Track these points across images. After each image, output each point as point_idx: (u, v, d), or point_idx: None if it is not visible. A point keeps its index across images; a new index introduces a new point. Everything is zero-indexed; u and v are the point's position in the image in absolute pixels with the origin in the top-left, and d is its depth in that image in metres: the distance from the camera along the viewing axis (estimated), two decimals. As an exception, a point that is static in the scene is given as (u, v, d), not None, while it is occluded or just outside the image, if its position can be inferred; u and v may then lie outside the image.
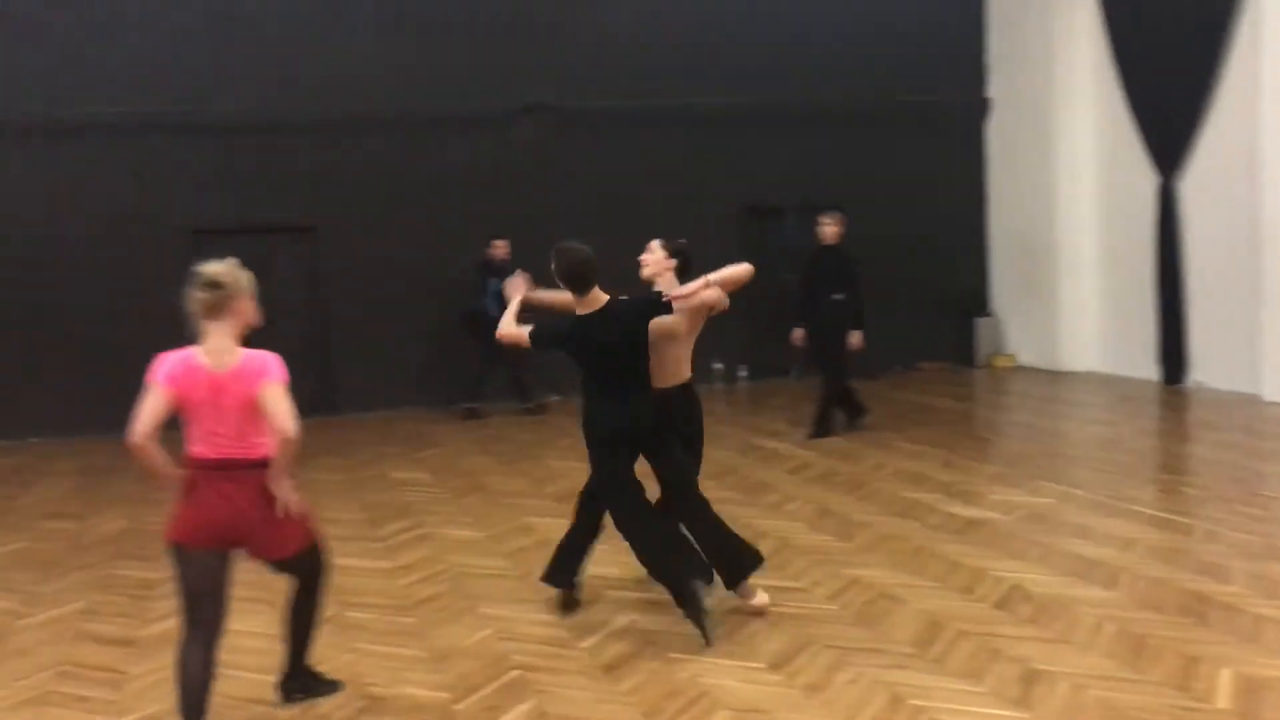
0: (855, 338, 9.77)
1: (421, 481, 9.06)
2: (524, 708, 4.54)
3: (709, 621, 5.10)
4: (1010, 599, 5.58)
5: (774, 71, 13.60)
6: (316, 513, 4.53)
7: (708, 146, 13.53)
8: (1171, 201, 12.02)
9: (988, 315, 14.74)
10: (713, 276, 5.28)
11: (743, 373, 14.00)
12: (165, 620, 5.70)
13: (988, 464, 8.90)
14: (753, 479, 8.56)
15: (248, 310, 4.17)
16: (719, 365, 13.75)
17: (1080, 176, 13.35)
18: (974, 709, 4.35)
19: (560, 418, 11.51)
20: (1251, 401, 10.89)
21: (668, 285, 5.59)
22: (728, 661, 4.92)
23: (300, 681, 4.65)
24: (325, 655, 4.95)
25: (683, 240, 5.81)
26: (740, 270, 5.38)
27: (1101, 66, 12.96)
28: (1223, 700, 4.33)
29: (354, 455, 10.27)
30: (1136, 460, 9.03)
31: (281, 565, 4.39)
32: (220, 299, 4.07)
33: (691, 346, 5.68)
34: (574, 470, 8.19)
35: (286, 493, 4.15)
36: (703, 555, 5.47)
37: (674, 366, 5.56)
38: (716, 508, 5.58)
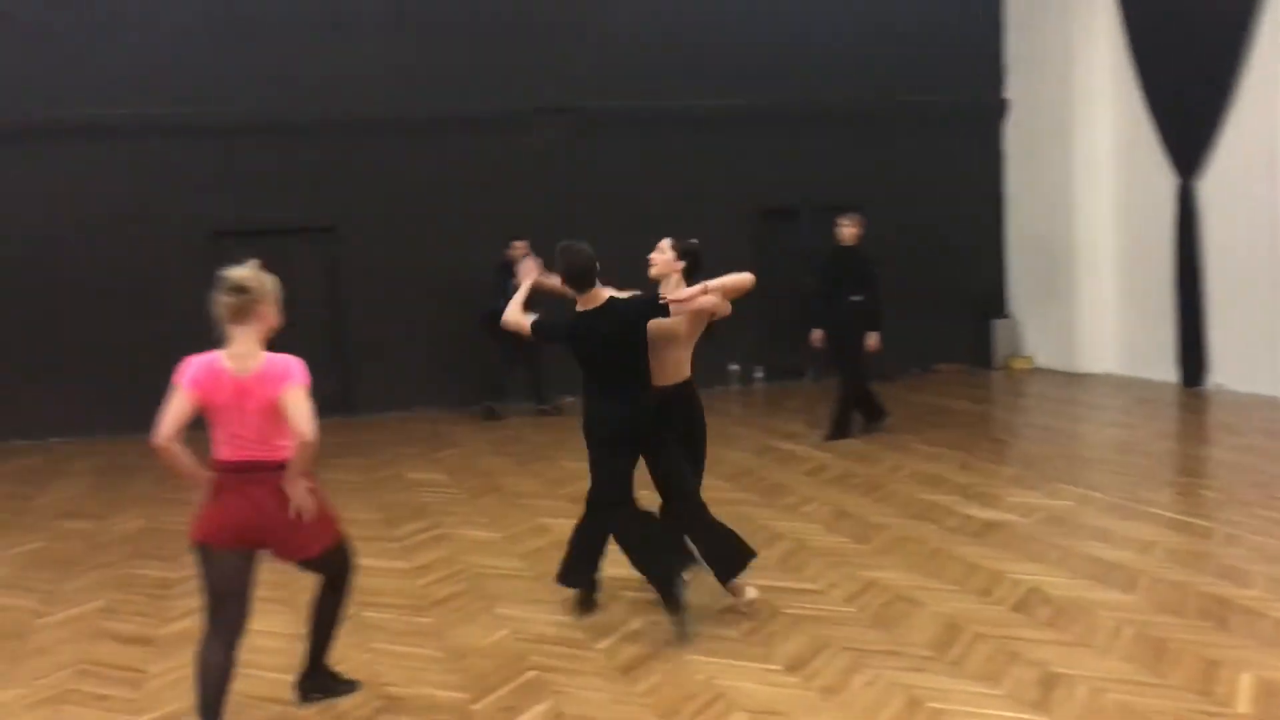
0: (873, 339, 9.75)
1: (438, 482, 9.09)
2: (541, 708, 4.55)
3: (688, 619, 5.18)
4: (1028, 602, 5.56)
5: (790, 73, 13.57)
6: (338, 512, 4.55)
7: (726, 148, 13.51)
8: (1191, 202, 11.95)
9: (1005, 317, 14.67)
10: (712, 283, 5.27)
11: (759, 374, 13.99)
12: (184, 619, 5.75)
13: (1005, 466, 8.87)
14: (769, 480, 8.55)
15: (272, 315, 4.20)
16: (735, 367, 13.75)
17: (1099, 177, 13.27)
18: (992, 712, 4.33)
19: (575, 419, 11.30)
20: (1272, 404, 10.82)
21: (674, 286, 5.59)
22: (744, 663, 4.92)
23: (318, 681, 4.67)
24: (343, 655, 4.96)
25: (694, 240, 5.79)
26: (740, 279, 5.39)
27: (1120, 67, 12.88)
28: (1243, 705, 4.30)
29: (371, 455, 10.30)
30: (1155, 463, 8.98)
31: (308, 564, 4.42)
32: (245, 303, 4.11)
33: (692, 348, 5.69)
34: (589, 472, 8.17)
35: (300, 495, 4.17)
36: (697, 554, 5.51)
37: (674, 367, 5.58)
38: (733, 509, 5.60)
